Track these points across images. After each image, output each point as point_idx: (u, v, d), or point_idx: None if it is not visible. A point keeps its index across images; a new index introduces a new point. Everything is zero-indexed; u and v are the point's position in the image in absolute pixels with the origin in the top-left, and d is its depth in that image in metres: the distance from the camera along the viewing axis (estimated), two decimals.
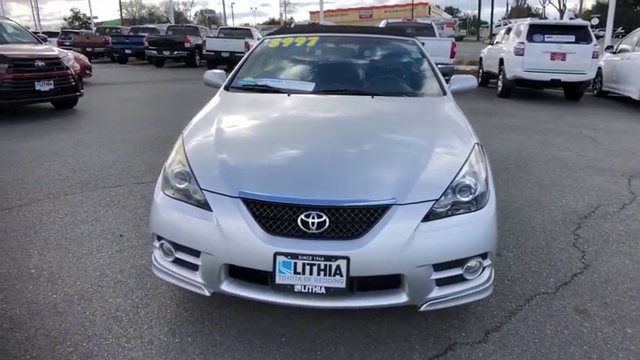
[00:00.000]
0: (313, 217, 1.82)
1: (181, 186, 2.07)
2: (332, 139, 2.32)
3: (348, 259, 1.78)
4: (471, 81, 3.17)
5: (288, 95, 2.85)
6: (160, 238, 2.09)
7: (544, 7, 52.32)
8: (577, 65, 9.68)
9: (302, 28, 4.00)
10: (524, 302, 2.40)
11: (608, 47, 11.27)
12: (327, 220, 1.82)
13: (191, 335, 2.09)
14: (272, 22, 71.94)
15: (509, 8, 66.83)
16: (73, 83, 7.46)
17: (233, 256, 1.87)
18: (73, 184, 4.13)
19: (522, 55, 9.80)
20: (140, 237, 3.08)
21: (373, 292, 1.90)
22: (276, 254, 1.80)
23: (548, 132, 6.73)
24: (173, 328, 2.14)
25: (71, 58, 7.83)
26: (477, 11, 58.04)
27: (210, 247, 1.90)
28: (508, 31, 11.61)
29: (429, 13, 61.36)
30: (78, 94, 7.72)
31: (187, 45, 17.27)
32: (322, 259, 1.78)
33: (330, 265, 1.79)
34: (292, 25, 19.44)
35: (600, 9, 48.62)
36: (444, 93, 2.99)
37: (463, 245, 1.91)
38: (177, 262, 2.05)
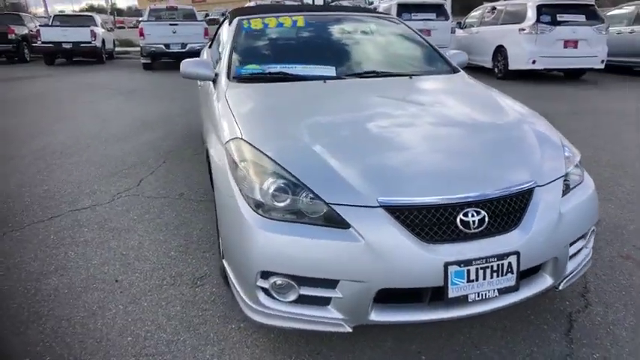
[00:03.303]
0: (472, 215, 1.62)
1: (283, 204, 1.65)
2: (433, 127, 2.12)
3: (518, 253, 1.63)
4: (464, 56, 3.17)
5: (324, 82, 2.48)
6: (267, 276, 1.64)
7: None
8: (440, 40, 10.63)
9: (267, 8, 3.54)
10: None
11: (457, 23, 12.72)
12: (486, 215, 1.63)
13: None
14: (91, 8, 63.58)
15: None
16: None
17: (392, 277, 1.57)
18: None
19: None
20: (143, 279, 2.43)
21: (526, 282, 1.78)
22: (447, 264, 1.55)
23: None
24: None
25: None
26: None
27: (357, 273, 1.56)
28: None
29: None
30: None
31: (12, 37, 14.18)
32: (495, 259, 1.61)
33: (502, 264, 1.62)
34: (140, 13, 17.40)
35: None
36: (456, 70, 2.93)
37: (590, 216, 1.94)
38: (302, 300, 1.64)
